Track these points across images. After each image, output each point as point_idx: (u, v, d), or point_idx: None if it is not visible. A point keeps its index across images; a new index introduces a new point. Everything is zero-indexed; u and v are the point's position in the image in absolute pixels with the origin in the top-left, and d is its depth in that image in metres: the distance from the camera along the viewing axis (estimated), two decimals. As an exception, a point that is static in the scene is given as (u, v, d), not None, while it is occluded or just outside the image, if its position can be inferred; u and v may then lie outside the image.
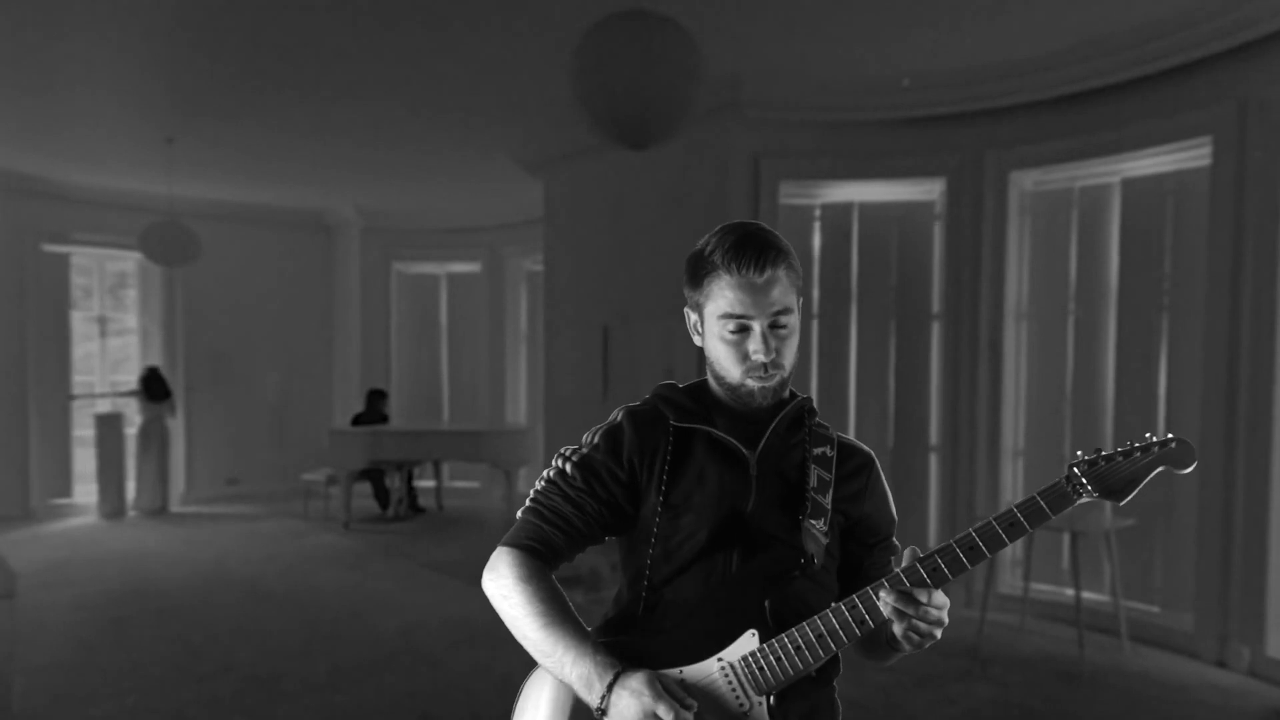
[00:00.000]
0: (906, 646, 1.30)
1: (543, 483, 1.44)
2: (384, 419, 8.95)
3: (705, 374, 1.47)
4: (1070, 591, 4.79)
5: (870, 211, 5.89)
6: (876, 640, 1.35)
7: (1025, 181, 5.44)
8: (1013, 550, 5.45)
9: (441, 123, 6.43)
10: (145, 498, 8.89)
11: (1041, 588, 5.26)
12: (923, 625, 1.27)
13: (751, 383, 1.37)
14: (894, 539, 1.51)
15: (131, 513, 8.82)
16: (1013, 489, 5.49)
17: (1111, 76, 4.75)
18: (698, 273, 1.39)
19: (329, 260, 10.25)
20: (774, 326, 1.36)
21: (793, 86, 5.43)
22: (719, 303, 1.35)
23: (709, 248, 1.37)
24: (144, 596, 5.85)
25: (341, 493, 8.28)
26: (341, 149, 7.21)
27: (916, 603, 1.26)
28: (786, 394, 1.45)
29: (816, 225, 5.95)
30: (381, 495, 8.77)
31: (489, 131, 6.61)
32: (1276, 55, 4.21)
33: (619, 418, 1.45)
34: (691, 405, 1.43)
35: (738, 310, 1.34)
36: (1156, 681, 4.30)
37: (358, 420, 8.80)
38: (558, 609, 1.34)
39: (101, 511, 8.64)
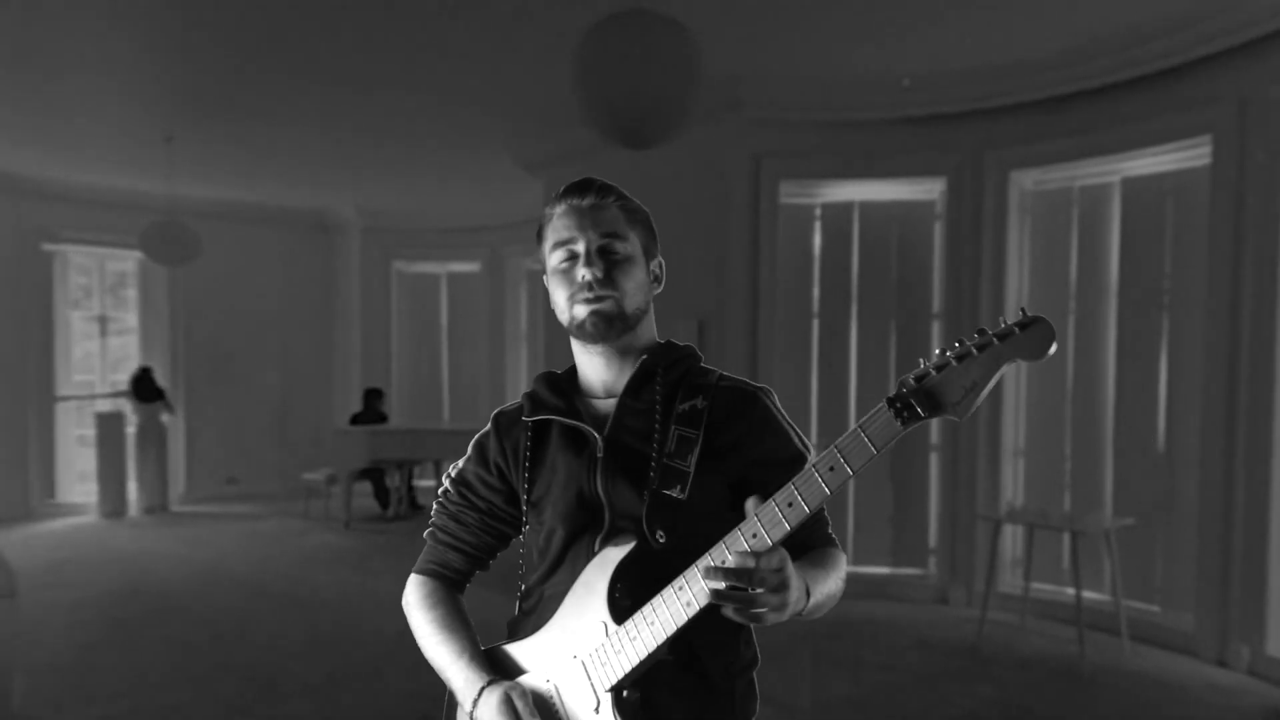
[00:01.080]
0: (765, 621, 1.14)
1: (435, 504, 1.49)
2: (382, 418, 8.95)
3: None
4: (1070, 591, 4.79)
5: (870, 211, 5.89)
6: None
7: (1025, 181, 5.44)
8: (1013, 549, 5.45)
9: (442, 122, 6.43)
10: (145, 497, 8.89)
11: (1041, 587, 5.26)
12: (765, 596, 1.10)
13: (580, 309, 1.31)
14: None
15: (131, 512, 8.83)
16: (1013, 489, 5.49)
17: (1111, 76, 4.75)
18: (539, 231, 1.39)
19: (329, 260, 10.25)
20: (604, 251, 1.32)
21: (793, 86, 5.42)
22: (550, 239, 1.35)
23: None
24: (144, 596, 5.85)
25: (342, 492, 8.28)
26: (342, 148, 7.21)
27: (747, 574, 1.10)
28: (646, 345, 1.37)
29: (816, 225, 5.95)
30: (382, 495, 8.77)
31: (489, 131, 6.61)
32: (1276, 55, 4.21)
33: (488, 424, 1.47)
34: (549, 396, 1.40)
35: (563, 235, 1.33)
36: (1156, 681, 4.30)
37: (356, 420, 8.80)
38: (448, 624, 1.39)
39: (101, 511, 8.64)
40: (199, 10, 4.56)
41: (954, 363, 1.08)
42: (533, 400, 1.41)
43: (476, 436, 1.48)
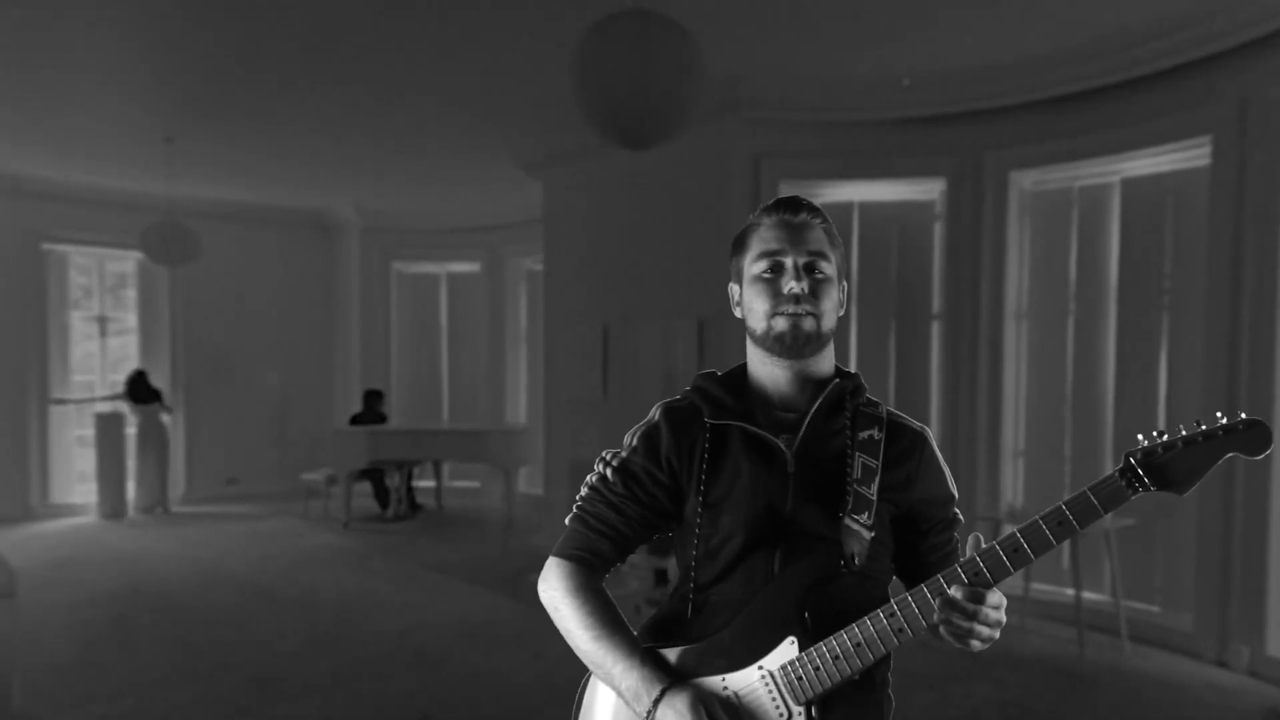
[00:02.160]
0: (973, 648, 1.26)
1: (586, 489, 1.43)
2: (382, 419, 8.95)
3: (737, 360, 1.46)
4: (1070, 591, 4.79)
5: (870, 211, 5.89)
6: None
7: (1025, 181, 5.44)
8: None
9: (442, 123, 6.43)
10: (145, 498, 8.89)
11: (1041, 588, 5.26)
12: (984, 630, 1.22)
13: (781, 322, 1.33)
14: (957, 514, 1.45)
15: (131, 513, 8.82)
16: (1013, 489, 5.49)
17: (1111, 76, 4.75)
18: (740, 236, 1.41)
19: (329, 260, 10.25)
20: (810, 269, 1.34)
21: (793, 86, 5.42)
22: (755, 248, 1.37)
23: (753, 215, 1.42)
24: (144, 596, 5.85)
25: (341, 492, 8.28)
26: (342, 149, 7.21)
27: (973, 609, 1.21)
28: (829, 367, 1.40)
29: (816, 225, 5.94)
30: (381, 495, 8.77)
31: (489, 131, 6.61)
32: (1276, 55, 4.21)
33: (656, 416, 1.43)
34: (727, 398, 1.39)
35: (772, 246, 1.35)
36: (1156, 681, 4.30)
37: (356, 420, 8.79)
38: (607, 620, 1.35)
39: (101, 511, 8.64)
40: (199, 11, 4.56)
41: (1180, 447, 1.18)
42: (711, 401, 1.40)
43: (642, 429, 1.43)
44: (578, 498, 1.44)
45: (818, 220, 1.37)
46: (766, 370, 1.39)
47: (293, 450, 9.79)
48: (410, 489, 9.00)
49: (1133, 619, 4.80)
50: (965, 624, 1.21)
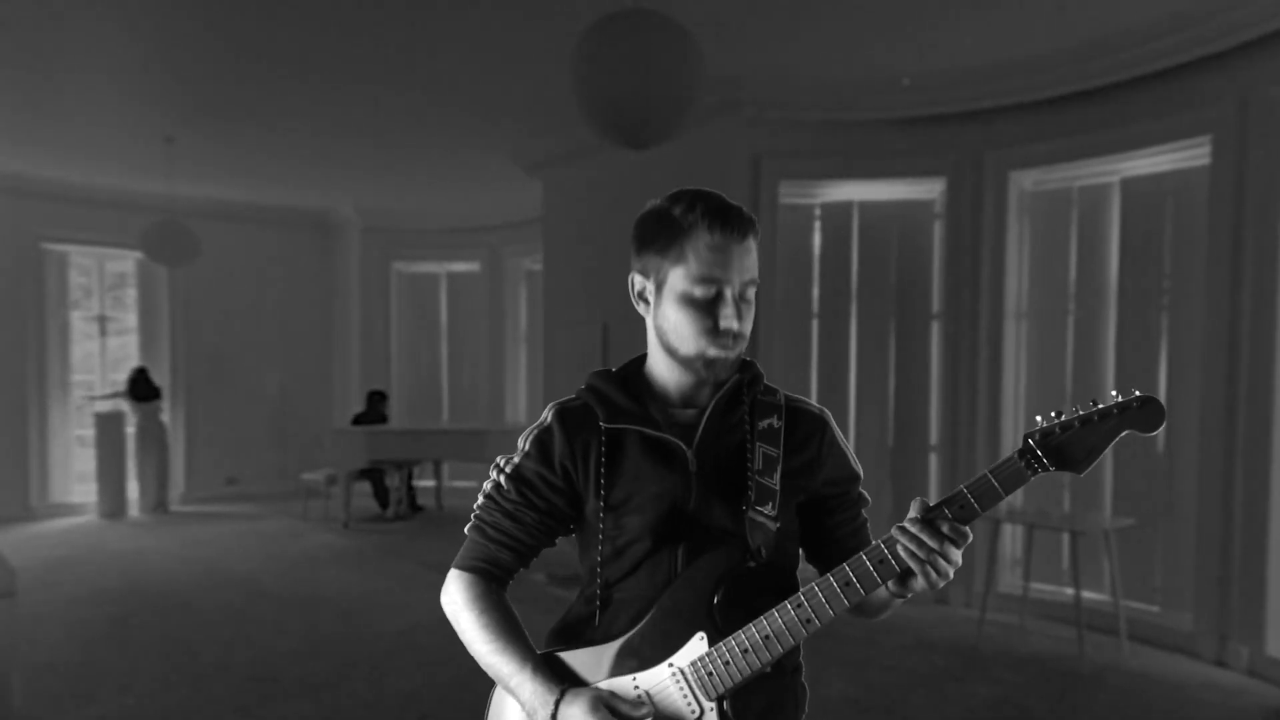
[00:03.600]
0: (921, 583, 1.23)
1: (482, 498, 1.42)
2: (383, 420, 8.95)
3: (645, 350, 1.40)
4: (1070, 591, 4.79)
5: (870, 211, 5.89)
6: (866, 605, 1.33)
7: (1025, 181, 5.44)
8: (1012, 549, 5.45)
9: (442, 122, 6.43)
10: (145, 497, 8.89)
11: (1041, 587, 5.26)
12: (942, 563, 1.20)
13: (714, 351, 1.29)
14: (863, 493, 1.45)
15: (131, 512, 8.82)
16: (1012, 489, 5.48)
17: (1111, 76, 4.75)
18: (664, 234, 1.30)
19: (329, 260, 10.25)
20: (742, 296, 1.30)
21: (793, 86, 5.42)
22: (692, 265, 1.27)
23: (679, 209, 1.29)
24: (144, 595, 5.85)
25: (341, 492, 8.28)
26: (341, 149, 7.21)
27: (934, 543, 1.20)
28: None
29: (816, 225, 5.95)
30: (381, 495, 8.77)
31: (489, 131, 6.61)
32: (1276, 55, 4.21)
33: (549, 419, 1.40)
34: (622, 400, 1.36)
35: (715, 273, 1.27)
36: (1156, 681, 4.30)
37: (358, 420, 8.79)
38: (503, 631, 1.34)
39: (101, 511, 8.64)
40: (199, 11, 4.56)
41: (1077, 426, 1.20)
42: (605, 404, 1.37)
43: (534, 432, 1.40)
44: (475, 506, 1.43)
45: (755, 240, 1.31)
46: (672, 374, 1.36)
47: (293, 450, 9.79)
48: (411, 489, 9.00)
49: (1132, 619, 4.80)
50: (932, 543, 1.18)
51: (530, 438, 1.40)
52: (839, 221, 5.92)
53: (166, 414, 9.05)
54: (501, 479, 1.40)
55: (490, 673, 1.36)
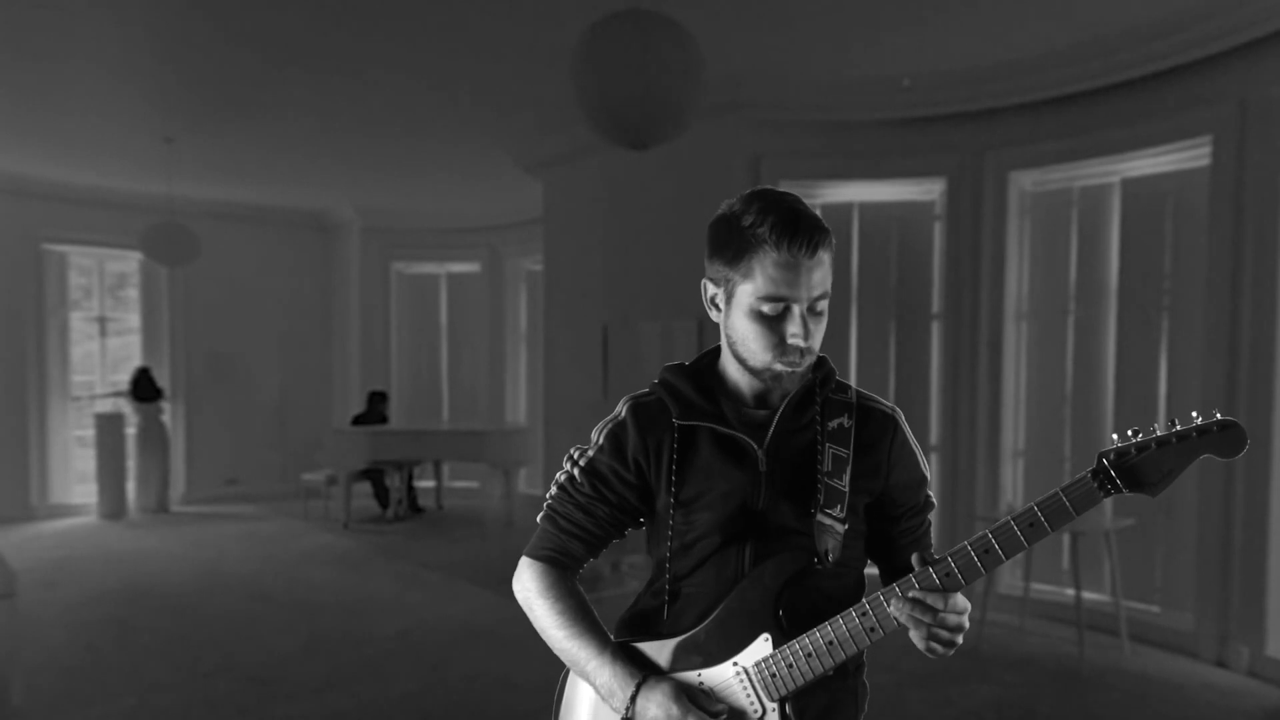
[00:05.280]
0: (929, 655, 1.26)
1: (556, 488, 1.43)
2: (384, 420, 8.95)
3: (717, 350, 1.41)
4: (1070, 591, 4.79)
5: (870, 211, 5.89)
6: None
7: (1025, 181, 5.44)
8: (1013, 550, 5.45)
9: (442, 123, 6.43)
10: (145, 498, 8.89)
11: (1041, 588, 5.26)
12: (943, 633, 1.22)
13: (781, 366, 1.29)
14: (929, 496, 1.45)
15: (131, 513, 8.82)
16: (1013, 489, 5.49)
17: (1111, 76, 4.75)
18: (733, 245, 1.27)
19: (329, 260, 10.25)
20: (811, 310, 1.28)
21: (793, 86, 5.42)
22: (759, 281, 1.25)
23: (749, 219, 1.26)
24: (144, 596, 5.85)
25: (341, 493, 8.27)
26: (341, 149, 7.21)
27: (932, 610, 1.21)
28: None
29: (816, 225, 5.94)
30: (381, 495, 8.77)
31: (489, 131, 6.61)
32: (1276, 55, 4.20)
33: (623, 413, 1.40)
34: (696, 397, 1.36)
35: (782, 291, 1.24)
36: (1156, 681, 4.30)
37: (358, 421, 8.80)
38: (579, 618, 1.37)
39: (101, 512, 8.64)
40: (199, 11, 4.56)
41: (1154, 448, 1.16)
42: (679, 401, 1.37)
43: (608, 426, 1.41)
44: (548, 495, 1.45)
45: (826, 251, 1.27)
46: (743, 377, 1.36)
47: (293, 450, 9.79)
48: (411, 490, 9.00)
49: (1133, 619, 4.80)
50: (925, 619, 1.21)
51: (604, 431, 1.41)
52: (839, 222, 5.91)
53: (167, 414, 9.06)
54: (575, 471, 1.41)
55: (565, 658, 1.39)
